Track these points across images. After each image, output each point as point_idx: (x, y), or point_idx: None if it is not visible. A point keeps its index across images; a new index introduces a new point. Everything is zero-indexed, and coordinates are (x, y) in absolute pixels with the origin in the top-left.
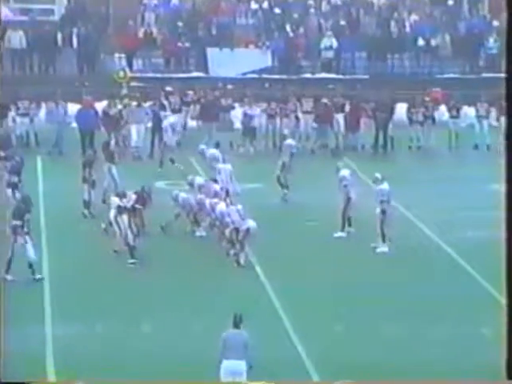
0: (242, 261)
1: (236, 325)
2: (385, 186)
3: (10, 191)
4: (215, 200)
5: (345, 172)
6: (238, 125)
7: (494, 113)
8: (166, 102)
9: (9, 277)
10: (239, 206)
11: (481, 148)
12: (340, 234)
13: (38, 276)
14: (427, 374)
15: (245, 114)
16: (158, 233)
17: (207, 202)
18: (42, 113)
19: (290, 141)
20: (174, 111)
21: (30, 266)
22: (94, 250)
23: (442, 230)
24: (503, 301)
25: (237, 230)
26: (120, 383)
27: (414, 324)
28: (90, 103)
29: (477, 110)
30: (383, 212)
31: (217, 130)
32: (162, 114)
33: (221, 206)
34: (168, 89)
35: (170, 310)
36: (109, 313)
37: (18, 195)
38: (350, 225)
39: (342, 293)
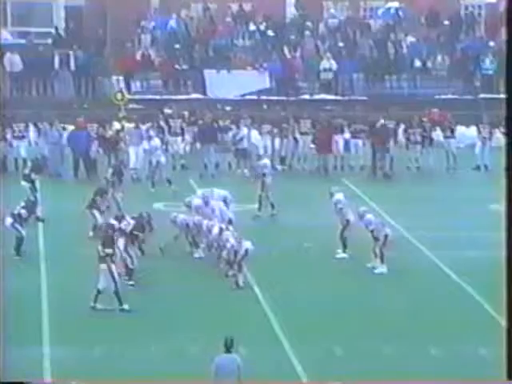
0: (240, 282)
1: (227, 349)
2: (369, 216)
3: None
4: (212, 222)
5: (339, 196)
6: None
7: (496, 134)
8: (163, 124)
9: (98, 305)
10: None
11: (481, 169)
12: (342, 255)
13: (125, 306)
14: None
15: (234, 136)
16: (157, 254)
17: (204, 223)
18: (35, 135)
19: (265, 161)
20: (174, 134)
21: (117, 294)
22: (93, 272)
23: (441, 250)
24: (503, 322)
25: (235, 251)
26: None
27: (414, 344)
28: (83, 125)
29: (479, 131)
30: (376, 239)
31: (215, 151)
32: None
33: (217, 229)
34: (167, 111)
35: (168, 332)
36: (107, 335)
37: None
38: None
39: (340, 314)
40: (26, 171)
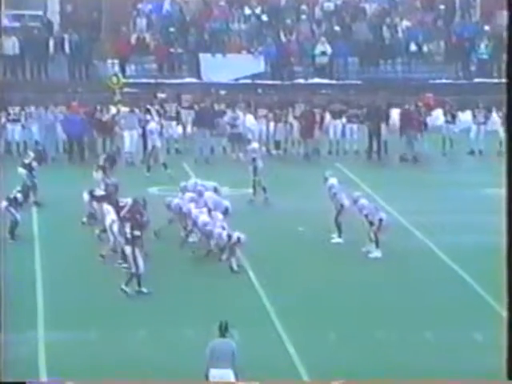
0: (234, 266)
1: (222, 333)
2: (363, 201)
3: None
4: (198, 210)
5: (333, 180)
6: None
7: (491, 119)
8: (157, 108)
9: (128, 289)
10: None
11: (476, 153)
12: (337, 239)
13: (143, 289)
14: (419, 377)
15: (229, 120)
16: (151, 238)
17: (193, 212)
18: (32, 118)
19: (254, 145)
20: (169, 118)
21: (138, 277)
22: (88, 256)
23: (436, 235)
24: (497, 306)
25: (228, 236)
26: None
27: (408, 329)
28: (77, 109)
29: (474, 116)
30: (371, 223)
31: (211, 135)
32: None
33: (203, 217)
34: (161, 95)
35: (162, 316)
36: (101, 319)
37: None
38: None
39: (335, 298)
40: (26, 161)
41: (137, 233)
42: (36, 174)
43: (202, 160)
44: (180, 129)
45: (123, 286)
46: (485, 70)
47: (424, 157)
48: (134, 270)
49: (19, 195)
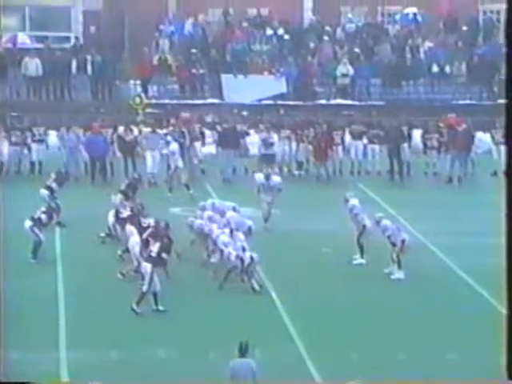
0: (256, 286)
1: (242, 354)
2: (385, 222)
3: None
4: (220, 231)
5: (354, 201)
6: (253, 151)
7: None
8: (183, 129)
9: (138, 309)
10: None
11: (499, 174)
12: (360, 260)
13: (160, 307)
14: None
15: (263, 141)
16: (174, 260)
17: (214, 232)
18: (54, 139)
19: (276, 178)
20: (193, 139)
21: (155, 296)
22: (110, 276)
23: (459, 256)
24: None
25: (241, 259)
26: None
27: (431, 350)
28: (99, 129)
29: (492, 137)
30: (394, 244)
31: (234, 156)
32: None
33: (224, 238)
34: (184, 115)
35: (184, 336)
36: (122, 339)
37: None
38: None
39: (356, 319)
40: (48, 182)
41: (164, 255)
42: (58, 196)
43: (225, 180)
44: (204, 149)
45: (134, 306)
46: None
47: (446, 177)
48: (145, 288)
49: (43, 216)
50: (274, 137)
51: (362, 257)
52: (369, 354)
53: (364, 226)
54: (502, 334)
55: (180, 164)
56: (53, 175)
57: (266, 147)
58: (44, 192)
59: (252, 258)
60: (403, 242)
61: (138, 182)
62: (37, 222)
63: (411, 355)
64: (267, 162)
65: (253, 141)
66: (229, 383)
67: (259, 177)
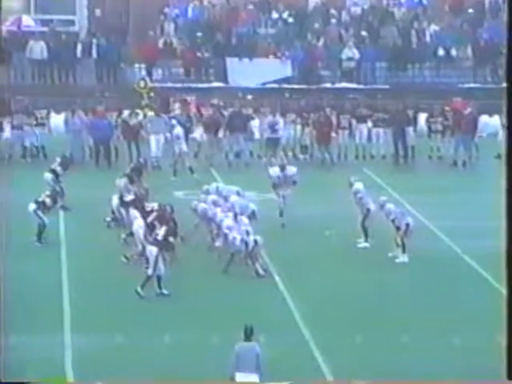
0: (260, 271)
1: (247, 337)
2: (389, 205)
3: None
4: (224, 215)
5: (358, 185)
6: (257, 135)
7: None
8: (192, 113)
9: (142, 293)
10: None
11: (502, 157)
12: (364, 244)
13: (164, 291)
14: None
15: (270, 125)
16: (178, 243)
17: (218, 216)
18: (59, 122)
19: (292, 169)
20: (198, 122)
21: (159, 279)
22: (114, 260)
23: (463, 240)
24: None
25: (246, 243)
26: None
27: (435, 334)
28: (103, 113)
29: (501, 120)
30: (398, 228)
31: (243, 139)
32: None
33: (228, 222)
34: (189, 99)
35: (188, 320)
36: (127, 322)
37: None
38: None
39: (361, 302)
40: (53, 166)
41: (171, 239)
42: (62, 180)
43: (230, 164)
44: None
45: (138, 289)
46: None
47: (450, 161)
48: (150, 272)
49: (48, 199)
50: (280, 121)
51: (366, 240)
52: (373, 336)
53: (368, 210)
54: (503, 315)
55: (184, 148)
56: (58, 159)
57: (272, 131)
58: (48, 175)
59: (256, 242)
60: (407, 225)
61: (143, 166)
62: (41, 205)
63: (415, 338)
64: (272, 146)
65: (257, 124)
66: (228, 383)
67: (274, 171)
